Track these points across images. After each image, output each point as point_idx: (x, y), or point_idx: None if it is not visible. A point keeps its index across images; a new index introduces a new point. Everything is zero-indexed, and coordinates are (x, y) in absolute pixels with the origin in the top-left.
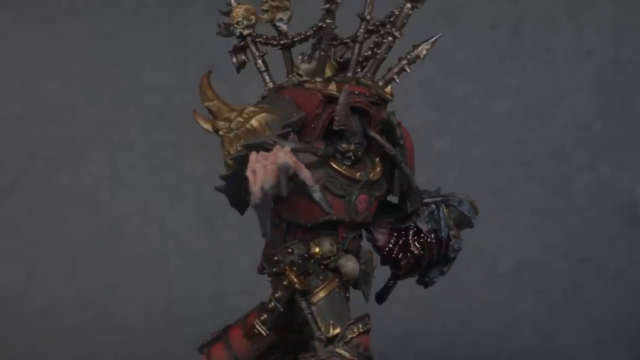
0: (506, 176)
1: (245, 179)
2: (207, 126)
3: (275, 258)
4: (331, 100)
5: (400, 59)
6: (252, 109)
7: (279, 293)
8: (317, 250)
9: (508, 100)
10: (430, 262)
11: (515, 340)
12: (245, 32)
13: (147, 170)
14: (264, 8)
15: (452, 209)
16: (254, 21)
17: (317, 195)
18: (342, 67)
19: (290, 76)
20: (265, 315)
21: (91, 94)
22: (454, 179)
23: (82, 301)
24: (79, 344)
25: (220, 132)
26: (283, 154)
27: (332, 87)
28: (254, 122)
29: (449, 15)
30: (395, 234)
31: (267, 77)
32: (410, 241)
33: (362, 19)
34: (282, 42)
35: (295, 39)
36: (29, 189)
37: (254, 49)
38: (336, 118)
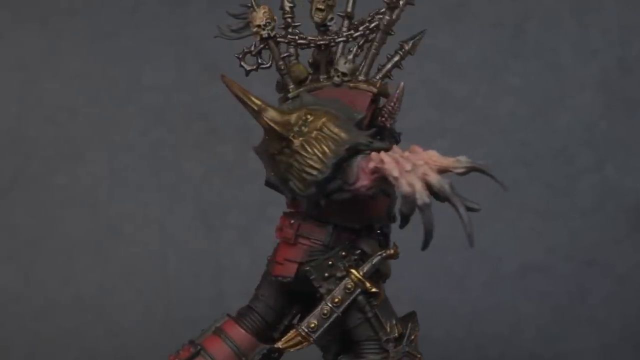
0: (509, 177)
1: (330, 181)
2: (282, 130)
3: (330, 262)
4: (373, 99)
5: (390, 57)
6: (308, 111)
7: (339, 298)
8: (392, 251)
9: (511, 101)
10: None
11: (519, 343)
12: (272, 33)
13: (146, 171)
14: (320, 7)
15: None
16: (275, 22)
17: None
18: (315, 67)
19: (324, 76)
20: (315, 322)
21: (90, 94)
22: (456, 179)
23: (80, 303)
24: (77, 347)
25: (291, 136)
26: (437, 154)
27: (380, 86)
28: (325, 124)
29: (451, 15)
30: None
31: (288, 79)
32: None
33: (347, 16)
34: (326, 42)
35: (346, 38)
36: (27, 190)
37: (277, 50)
38: (393, 115)
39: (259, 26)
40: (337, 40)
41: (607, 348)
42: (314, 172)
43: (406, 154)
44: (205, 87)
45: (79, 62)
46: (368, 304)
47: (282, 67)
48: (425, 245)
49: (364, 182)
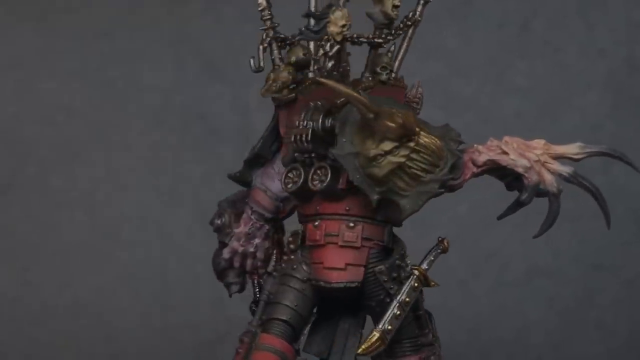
0: None
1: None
2: (412, 128)
3: (399, 263)
4: None
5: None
6: (396, 110)
7: (409, 298)
8: (446, 245)
9: (517, 100)
10: None
11: (526, 348)
12: (351, 34)
13: (145, 172)
14: (397, 4)
15: None
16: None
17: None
18: (300, 66)
19: (367, 75)
20: (391, 325)
21: (88, 94)
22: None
23: (78, 308)
24: (74, 353)
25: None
26: (546, 142)
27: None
28: (417, 122)
29: (456, 13)
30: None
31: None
32: None
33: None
34: (382, 39)
35: (395, 35)
36: (23, 192)
37: (345, 51)
38: (417, 109)
39: (343, 26)
40: (390, 38)
41: (614, 352)
42: (435, 170)
43: (514, 144)
44: (204, 88)
45: (77, 61)
46: (422, 302)
47: (348, 68)
48: (543, 232)
49: (466, 176)
